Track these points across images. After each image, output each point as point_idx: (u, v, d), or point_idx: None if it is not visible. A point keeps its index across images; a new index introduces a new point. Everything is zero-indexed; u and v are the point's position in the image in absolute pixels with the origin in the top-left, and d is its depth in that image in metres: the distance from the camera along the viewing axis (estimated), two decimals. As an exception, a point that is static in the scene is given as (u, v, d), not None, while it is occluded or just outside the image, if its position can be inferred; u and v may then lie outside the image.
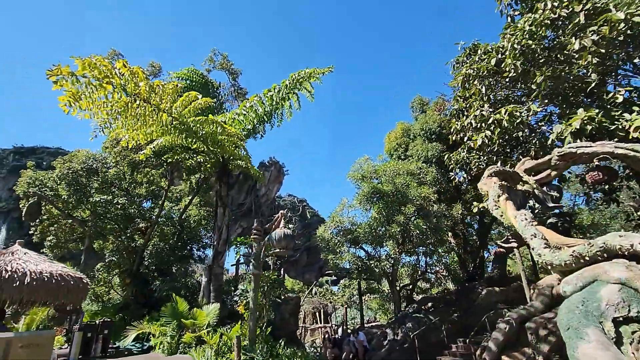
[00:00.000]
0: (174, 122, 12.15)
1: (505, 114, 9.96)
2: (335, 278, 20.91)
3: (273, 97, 13.66)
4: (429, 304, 17.47)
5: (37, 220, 14.13)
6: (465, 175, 15.16)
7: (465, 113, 14.28)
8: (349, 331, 16.03)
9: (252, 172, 14.52)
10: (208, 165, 13.89)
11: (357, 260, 15.65)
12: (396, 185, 15.78)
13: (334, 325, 22.18)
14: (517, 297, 16.23)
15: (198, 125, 11.91)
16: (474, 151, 14.88)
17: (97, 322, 9.49)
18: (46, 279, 7.15)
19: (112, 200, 12.66)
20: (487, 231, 20.80)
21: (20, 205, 13.82)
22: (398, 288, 17.72)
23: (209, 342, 9.23)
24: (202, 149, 13.76)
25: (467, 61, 13.54)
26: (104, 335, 9.03)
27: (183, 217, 17.37)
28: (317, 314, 23.99)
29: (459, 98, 14.12)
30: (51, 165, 14.22)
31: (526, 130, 10.85)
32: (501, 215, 5.47)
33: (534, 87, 10.39)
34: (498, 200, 5.69)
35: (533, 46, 9.91)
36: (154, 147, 13.19)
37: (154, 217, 15.60)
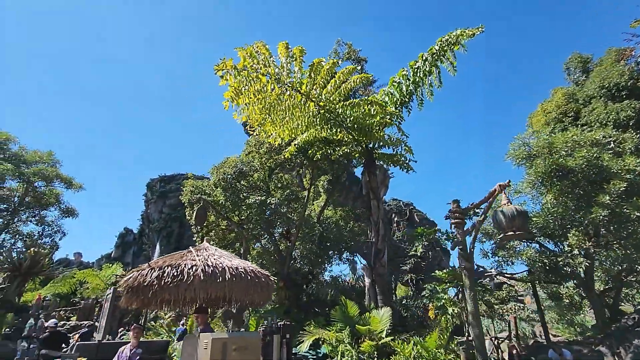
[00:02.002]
0: (320, 112, 11.41)
1: None
2: (498, 281, 17.63)
3: (419, 69, 11.87)
4: (647, 316, 12.91)
5: (199, 227, 15.07)
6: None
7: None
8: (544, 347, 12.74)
9: (399, 160, 12.91)
10: (356, 155, 12.84)
11: (541, 257, 12.40)
12: (587, 159, 12.14)
13: (493, 339, 18.71)
14: None
15: (347, 109, 10.87)
16: None
17: (279, 325, 8.93)
18: (243, 275, 6.59)
19: (266, 201, 12.56)
20: None
21: (186, 213, 14.96)
22: (597, 293, 13.64)
23: (404, 353, 7.67)
24: (346, 139, 12.77)
25: None
26: (287, 340, 8.31)
27: (321, 219, 16.75)
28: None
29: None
30: (209, 174, 15.12)
31: None
32: None
33: None
34: None
35: None
36: (297, 143, 12.73)
37: (294, 219, 15.23)
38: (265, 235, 16.47)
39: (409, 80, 12.21)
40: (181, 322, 16.71)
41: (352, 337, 9.59)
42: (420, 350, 7.73)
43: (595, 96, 15.48)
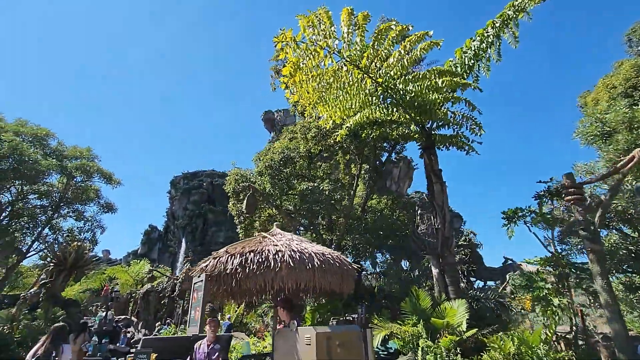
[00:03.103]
0: (378, 89, 10.53)
1: None
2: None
3: (484, 39, 10.78)
4: None
5: (241, 218, 14.54)
6: None
7: None
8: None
9: (458, 141, 11.90)
10: (415, 135, 11.89)
11: (625, 244, 11.19)
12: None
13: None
14: None
15: (408, 83, 9.92)
16: None
17: (352, 317, 8.25)
18: (331, 262, 5.85)
19: (318, 188, 11.82)
20: None
21: (230, 204, 14.43)
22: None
23: (503, 350, 6.78)
24: (402, 119, 11.85)
25: None
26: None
27: (365, 208, 15.92)
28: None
29: None
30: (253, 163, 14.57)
31: None
32: None
33: None
34: None
35: None
36: (349, 126, 11.89)
37: (340, 208, 14.44)
38: (310, 225, 15.81)
39: (473, 52, 11.14)
40: (227, 316, 16.33)
41: (427, 332, 8.78)
42: (521, 347, 6.82)
43: (674, 65, 13.94)
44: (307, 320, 11.34)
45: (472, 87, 9.81)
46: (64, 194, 19.02)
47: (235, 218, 15.03)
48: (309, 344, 4.62)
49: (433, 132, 12.08)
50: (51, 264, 17.97)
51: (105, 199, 20.26)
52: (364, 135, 12.33)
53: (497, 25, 10.45)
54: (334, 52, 9.11)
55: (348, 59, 9.39)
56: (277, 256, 5.45)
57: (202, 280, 4.57)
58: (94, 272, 25.68)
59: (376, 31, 8.90)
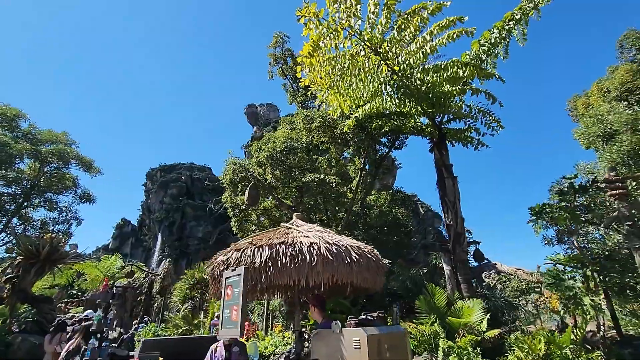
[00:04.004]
0: (394, 77, 10.04)
1: None
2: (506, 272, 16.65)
3: (501, 32, 10.53)
4: None
5: (236, 211, 13.73)
6: None
7: None
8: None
9: (467, 136, 11.65)
10: (427, 129, 11.50)
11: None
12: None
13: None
14: None
15: (427, 73, 9.50)
16: None
17: (371, 316, 7.70)
18: (369, 256, 5.31)
19: (324, 180, 11.23)
20: None
21: (225, 195, 13.56)
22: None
23: (534, 350, 6.48)
24: (413, 112, 11.45)
25: None
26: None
27: (364, 203, 15.48)
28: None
29: None
30: (251, 154, 13.76)
31: None
32: None
33: None
34: None
35: None
36: (357, 116, 11.35)
37: (344, 202, 13.92)
38: (307, 219, 15.21)
39: (488, 45, 10.86)
40: (216, 315, 15.48)
41: (443, 331, 8.43)
42: (550, 347, 6.55)
43: (668, 70, 14.36)
44: (312, 319, 10.75)
45: (497, 77, 9.49)
46: (35, 182, 17.41)
47: (229, 210, 14.19)
48: (359, 347, 4.06)
49: (443, 126, 11.78)
50: (20, 257, 16.42)
51: (83, 189, 18.76)
52: (374, 126, 11.84)
53: (517, 17, 10.21)
54: (354, 34, 8.55)
55: (368, 43, 8.85)
56: (311, 249, 4.84)
57: (239, 274, 3.90)
58: (60, 267, 23.90)
59: (408, 11, 8.37)
